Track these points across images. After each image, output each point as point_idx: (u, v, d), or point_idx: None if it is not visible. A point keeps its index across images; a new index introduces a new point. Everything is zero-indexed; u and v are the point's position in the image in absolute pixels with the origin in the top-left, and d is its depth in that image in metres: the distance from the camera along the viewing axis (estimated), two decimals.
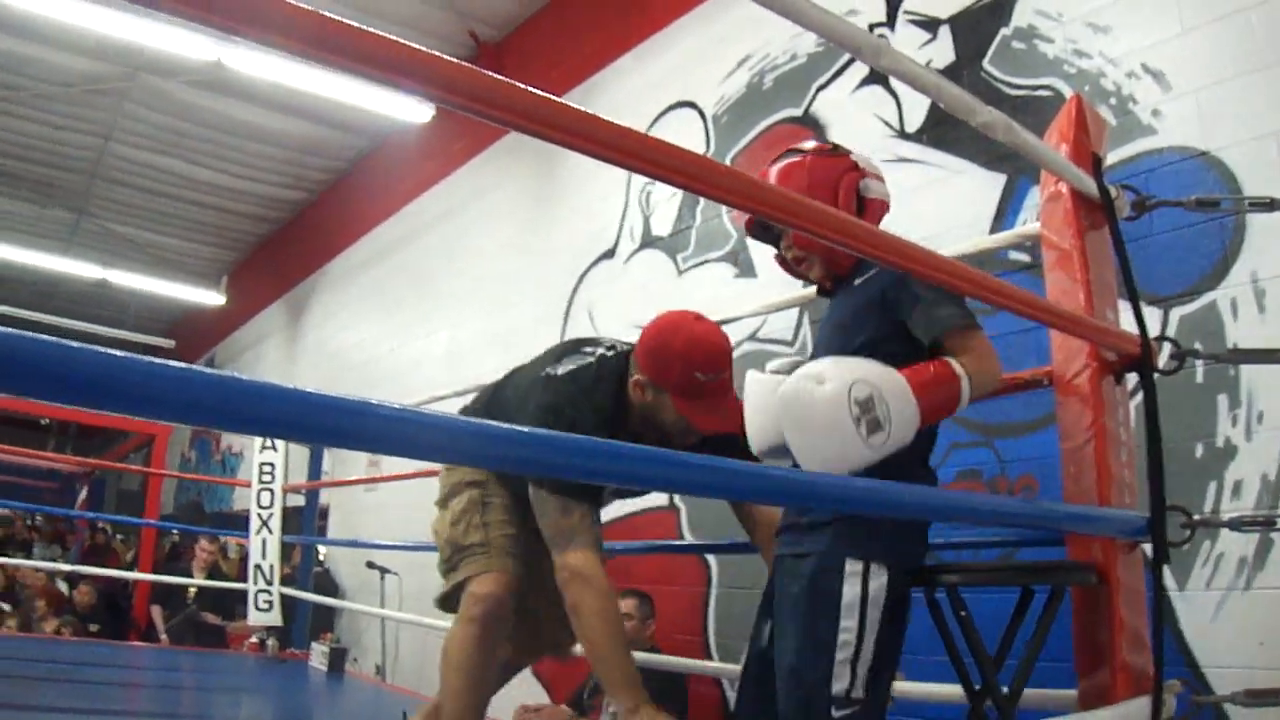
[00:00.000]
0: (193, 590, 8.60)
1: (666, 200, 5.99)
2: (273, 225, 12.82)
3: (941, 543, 2.91)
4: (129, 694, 5.46)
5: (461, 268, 8.15)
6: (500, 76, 1.19)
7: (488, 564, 2.85)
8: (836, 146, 2.59)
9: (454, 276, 8.25)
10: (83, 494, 18.96)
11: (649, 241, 6.09)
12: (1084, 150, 2.53)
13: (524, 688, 5.32)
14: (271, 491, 6.40)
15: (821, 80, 5.14)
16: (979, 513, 2.37)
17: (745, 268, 5.33)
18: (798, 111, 5.26)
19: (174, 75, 9.11)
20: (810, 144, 2.60)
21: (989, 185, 4.18)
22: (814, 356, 2.39)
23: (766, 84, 5.50)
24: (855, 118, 4.88)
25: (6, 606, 8.83)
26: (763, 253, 5.12)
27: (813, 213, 1.60)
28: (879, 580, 2.19)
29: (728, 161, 5.47)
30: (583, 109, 1.25)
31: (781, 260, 2.64)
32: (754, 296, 4.93)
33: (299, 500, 7.21)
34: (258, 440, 6.67)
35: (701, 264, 5.62)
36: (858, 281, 2.48)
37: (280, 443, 6.45)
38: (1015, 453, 3.89)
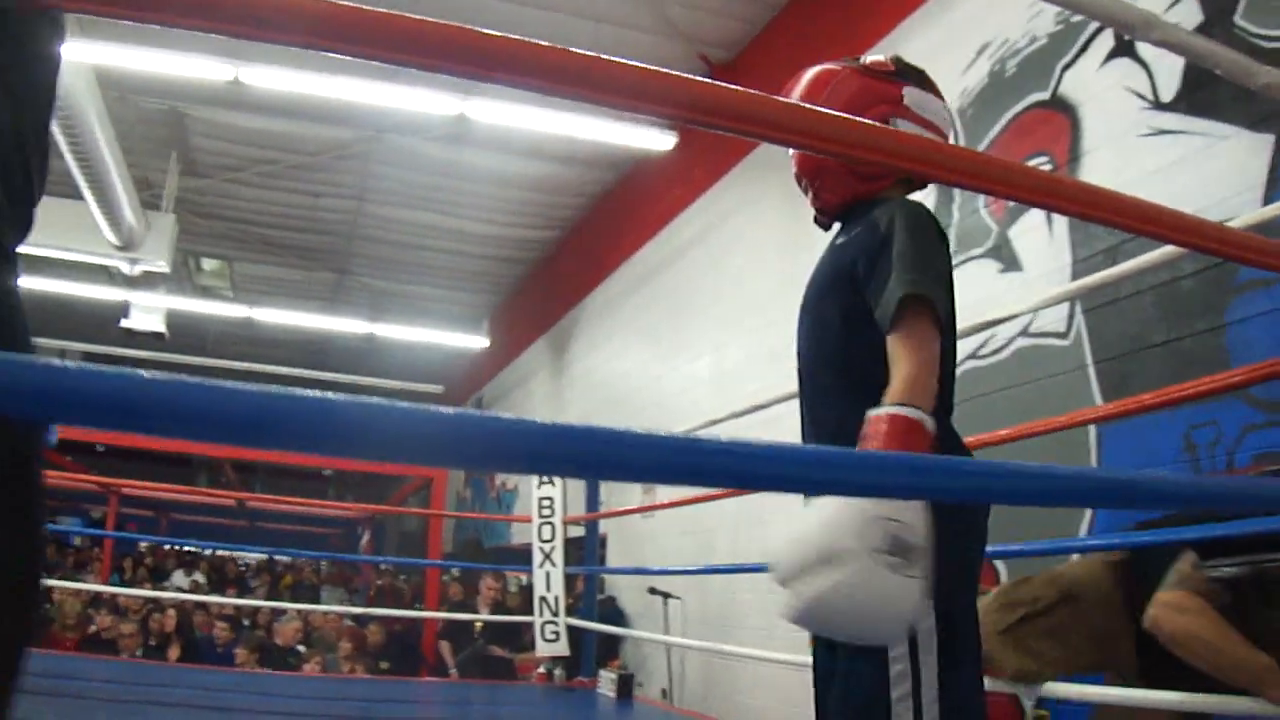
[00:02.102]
0: (480, 626, 8.87)
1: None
2: (528, 265, 13.15)
3: None
4: None
5: (721, 289, 8.17)
6: (741, 88, 1.17)
7: None
8: (904, 68, 2.22)
9: (714, 298, 8.27)
10: (365, 538, 19.85)
11: None
12: None
13: None
14: (552, 525, 6.52)
15: (1066, 59, 4.94)
16: None
17: (1009, 261, 5.15)
18: (1045, 95, 5.06)
19: (417, 133, 9.49)
20: (870, 58, 2.22)
21: (1256, 148, 3.92)
22: (799, 326, 2.19)
23: (1009, 70, 5.33)
24: (1106, 94, 4.66)
25: (303, 649, 9.29)
26: (1028, 244, 4.98)
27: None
28: (926, 624, 1.80)
29: None
30: (823, 110, 1.21)
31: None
32: (1022, 291, 4.78)
33: (577, 531, 7.34)
34: (534, 476, 6.80)
35: (965, 262, 5.47)
36: (839, 240, 2.13)
37: (558, 477, 6.57)
38: None
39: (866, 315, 1.91)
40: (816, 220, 2.28)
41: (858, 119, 1.15)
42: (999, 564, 4.95)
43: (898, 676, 1.79)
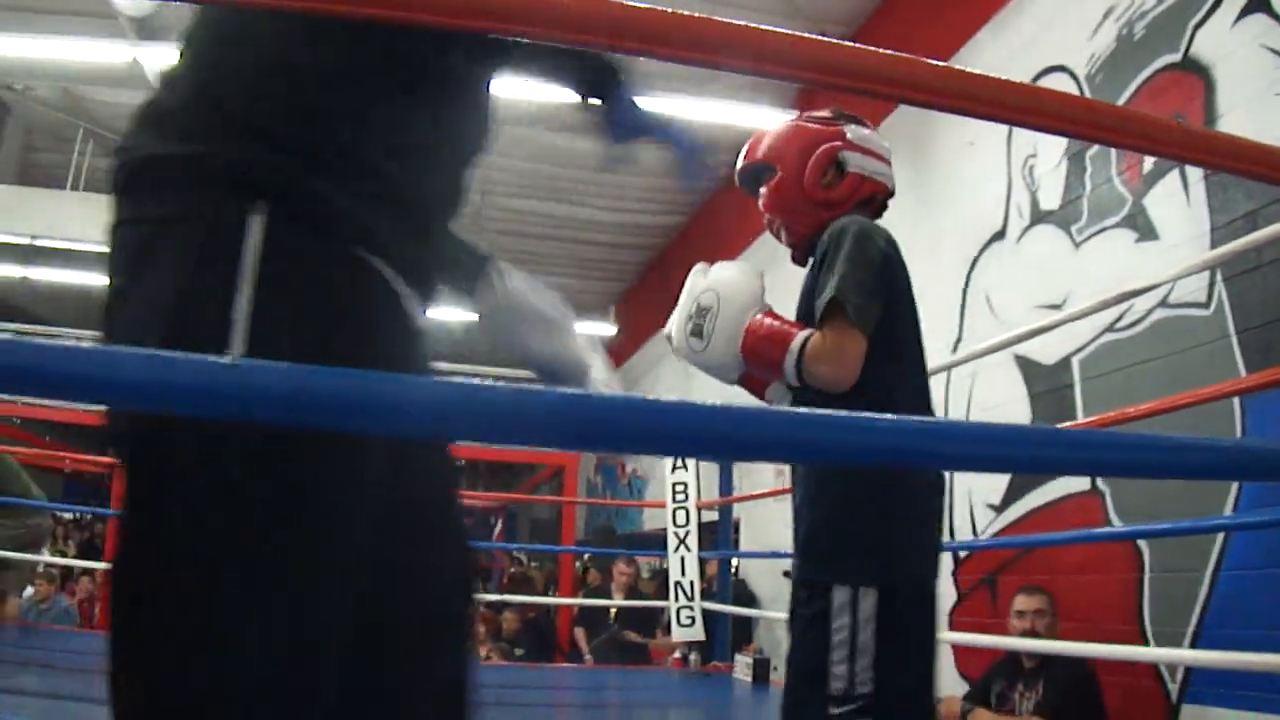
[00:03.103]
0: (614, 611, 8.93)
1: (1051, 171, 5.72)
2: (653, 251, 13.18)
3: None
4: (563, 713, 5.69)
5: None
6: (869, 47, 1.16)
7: None
8: (841, 115, 2.45)
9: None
10: (498, 527, 20.10)
11: (1039, 218, 5.81)
12: None
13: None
14: (686, 510, 6.53)
15: (1197, 18, 4.77)
16: None
17: (1146, 230, 4.99)
18: (1176, 57, 4.90)
19: (538, 123, 9.56)
20: (823, 111, 2.47)
21: None
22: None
23: (1137, 33, 5.17)
24: (1240, 53, 4.49)
25: None
26: (1164, 212, 4.84)
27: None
28: (868, 603, 2.03)
29: None
30: (961, 68, 1.18)
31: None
32: (1159, 260, 4.65)
33: (710, 515, 7.35)
34: (667, 462, 6.82)
35: (1099, 233, 5.32)
36: (807, 271, 2.33)
37: (691, 462, 6.58)
38: None
39: None
40: (793, 257, 2.48)
41: (1004, 79, 1.15)
42: (1142, 544, 4.84)
43: (838, 644, 2.01)
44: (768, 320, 2.13)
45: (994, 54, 6.27)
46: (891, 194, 2.45)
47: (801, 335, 2.08)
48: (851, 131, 2.40)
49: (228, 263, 1.05)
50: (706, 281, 2.23)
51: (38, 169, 10.65)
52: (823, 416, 1.08)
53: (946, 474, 2.45)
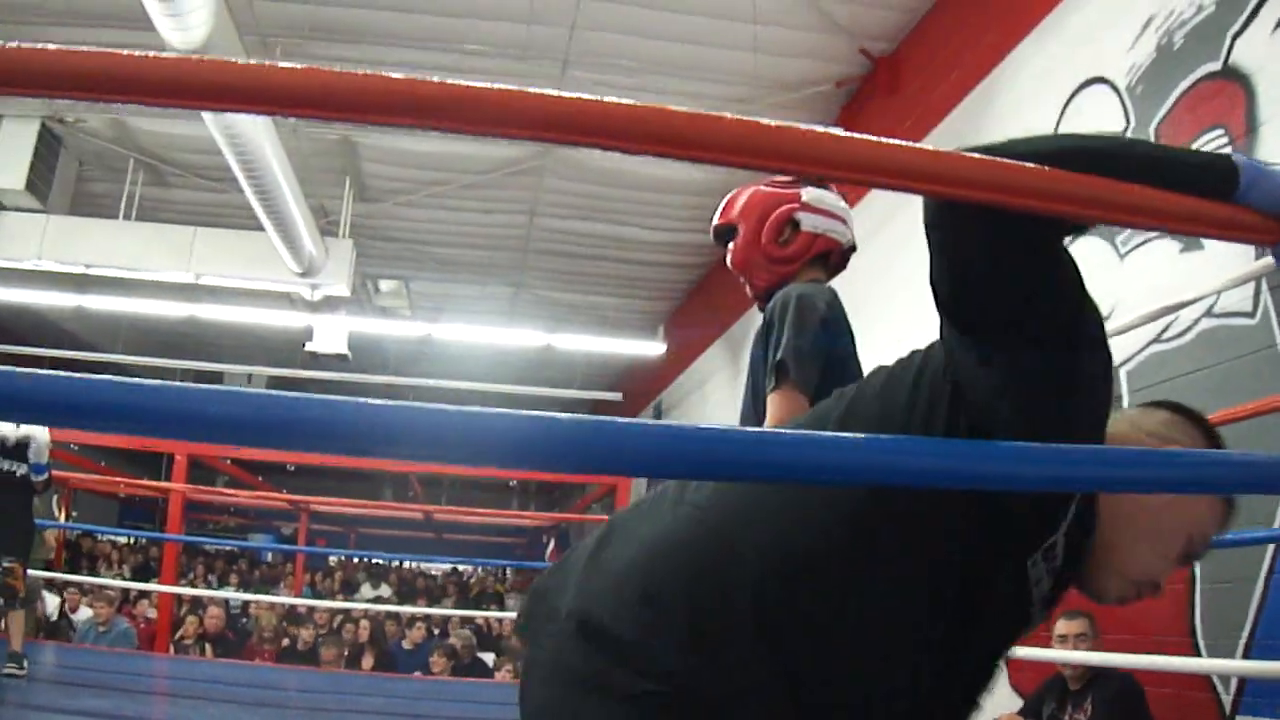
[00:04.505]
0: None
1: None
2: (701, 270, 13.17)
3: None
4: None
5: (891, 291, 8.01)
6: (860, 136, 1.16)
7: None
8: (798, 180, 2.66)
9: (885, 301, 8.12)
10: (550, 546, 20.17)
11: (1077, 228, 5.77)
12: None
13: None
14: None
15: (1235, 27, 4.73)
16: None
17: (1191, 241, 4.94)
18: (1215, 66, 4.85)
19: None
20: (779, 176, 2.67)
21: None
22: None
23: (1177, 43, 5.13)
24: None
25: (486, 657, 9.52)
26: None
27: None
28: None
29: (1150, 133, 5.18)
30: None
31: None
32: (1205, 272, 4.61)
33: None
34: None
35: (1143, 244, 5.28)
36: (756, 331, 2.54)
37: None
38: None
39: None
40: (759, 307, 2.67)
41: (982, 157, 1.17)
42: None
43: None
44: None
45: (1034, 66, 6.24)
46: (851, 249, 2.72)
47: None
48: (808, 193, 2.64)
49: None
50: None
51: (90, 199, 10.83)
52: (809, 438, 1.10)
53: None
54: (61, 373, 0.92)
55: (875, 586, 1.32)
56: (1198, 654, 4.67)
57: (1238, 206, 1.22)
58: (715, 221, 2.74)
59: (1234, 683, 4.40)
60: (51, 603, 9.49)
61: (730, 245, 2.71)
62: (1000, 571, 1.34)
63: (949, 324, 1.35)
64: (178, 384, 0.93)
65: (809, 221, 2.64)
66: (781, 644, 1.27)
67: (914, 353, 1.46)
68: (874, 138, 1.08)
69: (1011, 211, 1.14)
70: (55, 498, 12.99)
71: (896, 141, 1.09)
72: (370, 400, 0.92)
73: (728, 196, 2.75)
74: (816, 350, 2.33)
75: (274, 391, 0.96)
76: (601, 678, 1.29)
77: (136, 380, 0.90)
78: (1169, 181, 1.19)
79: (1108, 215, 1.24)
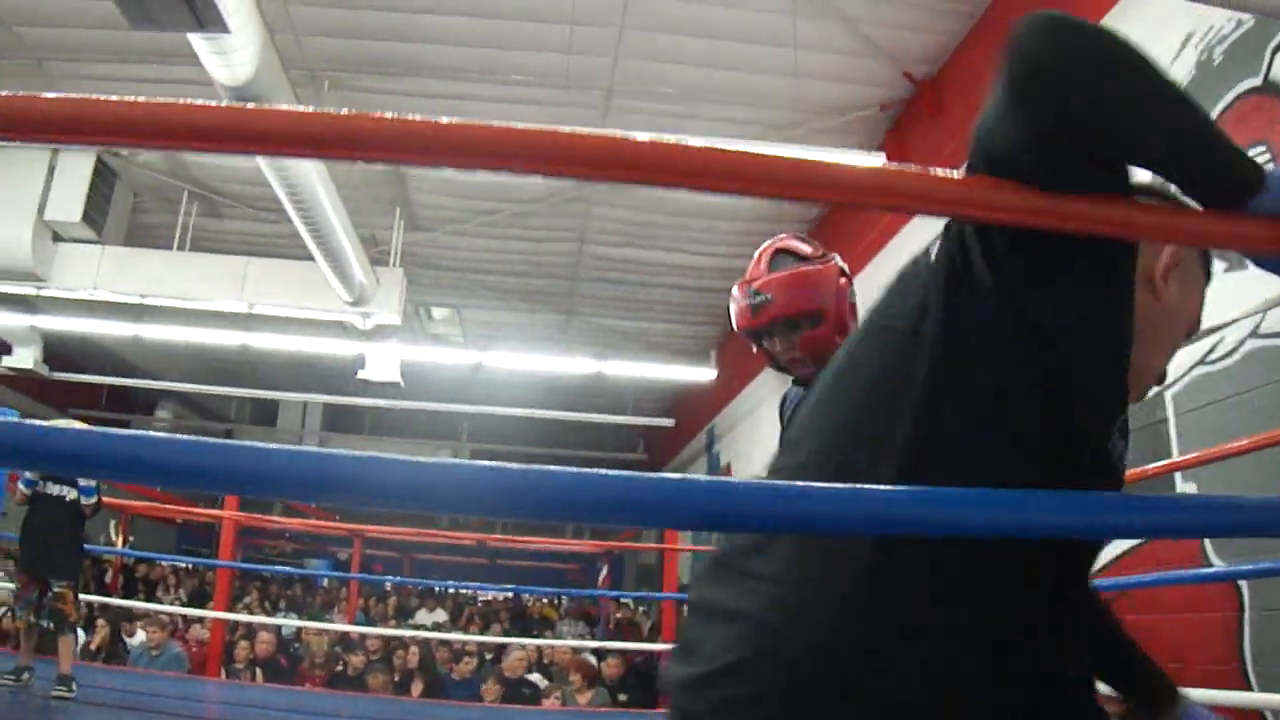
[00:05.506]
0: None
1: None
2: None
3: None
4: None
5: None
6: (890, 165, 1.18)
7: None
8: (820, 249, 2.75)
9: None
10: (603, 572, 20.16)
11: None
12: None
13: None
14: None
15: (1276, 41, 4.67)
16: None
17: (1235, 260, 4.87)
18: (1257, 80, 4.80)
19: None
20: (805, 247, 2.73)
21: None
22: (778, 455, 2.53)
23: (1217, 59, 5.08)
24: None
25: (538, 679, 9.53)
26: None
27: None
28: None
29: None
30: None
31: (767, 357, 2.73)
32: (1249, 289, 4.55)
33: None
34: None
35: None
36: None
37: None
38: None
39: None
40: (804, 380, 2.73)
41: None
42: (1242, 585, 4.70)
43: None
44: None
45: None
46: None
47: None
48: (840, 263, 2.70)
49: None
50: None
51: (145, 230, 11.04)
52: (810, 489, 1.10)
53: None
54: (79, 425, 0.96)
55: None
56: (1248, 685, 4.59)
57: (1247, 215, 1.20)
58: (786, 310, 2.60)
59: None
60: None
61: (800, 331, 2.60)
62: (1089, 478, 1.28)
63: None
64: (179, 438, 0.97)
65: (851, 293, 2.67)
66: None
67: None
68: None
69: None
70: (113, 523, 13.19)
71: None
72: (325, 450, 0.94)
73: (773, 281, 2.64)
74: None
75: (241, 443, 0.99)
76: None
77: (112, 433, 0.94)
78: (1199, 150, 1.18)
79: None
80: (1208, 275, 1.59)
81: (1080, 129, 1.16)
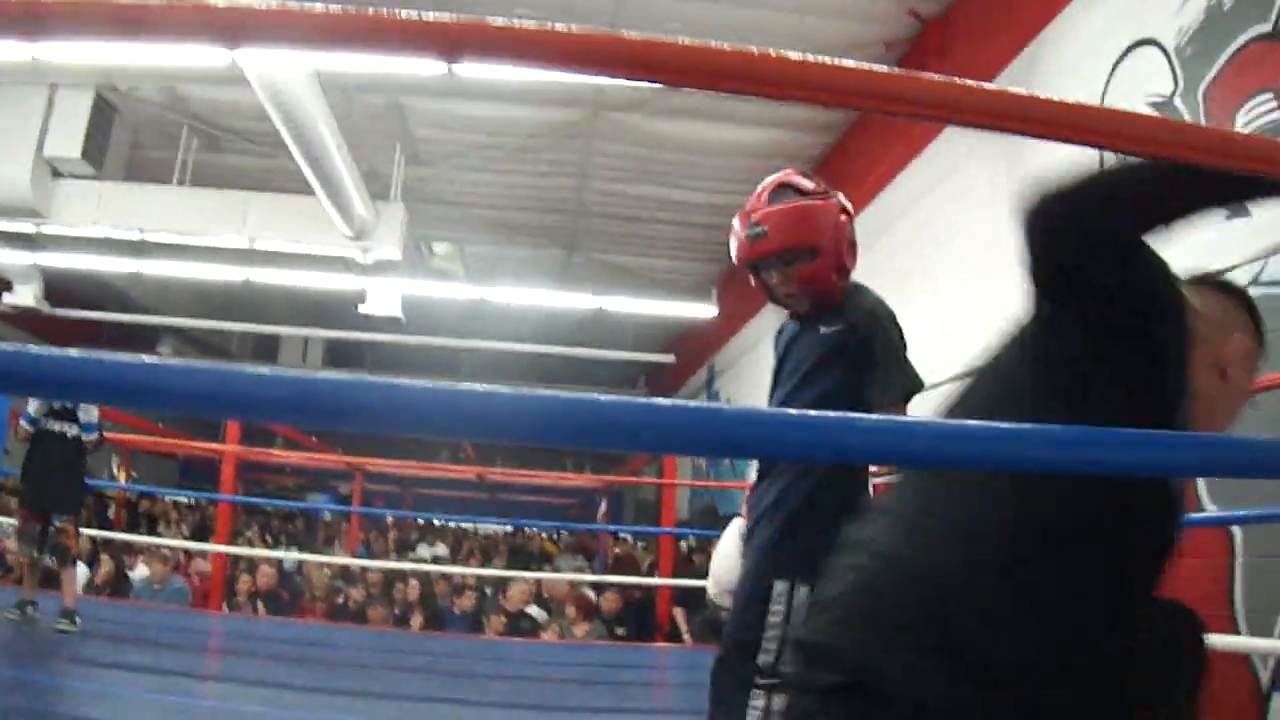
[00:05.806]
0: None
1: None
2: None
3: None
4: (662, 691, 5.75)
5: (943, 247, 7.92)
6: (905, 72, 1.17)
7: None
8: (822, 186, 2.76)
9: (937, 257, 8.01)
10: (603, 507, 20.26)
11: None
12: None
13: None
14: None
15: None
16: None
17: (1235, 207, 4.84)
18: (1266, 27, 4.74)
19: (637, 109, 9.60)
20: (807, 183, 2.75)
21: None
22: (773, 387, 2.91)
23: (1226, 4, 5.02)
24: None
25: (536, 612, 9.61)
26: None
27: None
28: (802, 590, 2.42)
29: (1198, 95, 5.09)
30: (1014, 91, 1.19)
31: (766, 291, 2.79)
32: (1249, 238, 4.53)
33: None
34: None
35: None
36: (824, 329, 2.70)
37: None
38: None
39: (847, 387, 2.62)
40: (802, 314, 2.82)
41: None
42: (1235, 530, 4.72)
43: (771, 625, 2.44)
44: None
45: (1083, 28, 6.14)
46: None
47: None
48: (842, 200, 2.74)
49: None
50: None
51: (144, 165, 10.94)
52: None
53: None
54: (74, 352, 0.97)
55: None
56: (1236, 629, 4.62)
57: None
58: (782, 244, 2.64)
59: (1272, 661, 4.35)
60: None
61: (796, 265, 2.64)
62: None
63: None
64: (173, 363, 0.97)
65: (852, 229, 2.71)
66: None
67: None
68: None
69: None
70: (115, 459, 13.24)
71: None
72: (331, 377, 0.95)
73: (771, 214, 2.68)
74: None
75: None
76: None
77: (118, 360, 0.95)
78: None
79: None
80: (1261, 345, 1.74)
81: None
